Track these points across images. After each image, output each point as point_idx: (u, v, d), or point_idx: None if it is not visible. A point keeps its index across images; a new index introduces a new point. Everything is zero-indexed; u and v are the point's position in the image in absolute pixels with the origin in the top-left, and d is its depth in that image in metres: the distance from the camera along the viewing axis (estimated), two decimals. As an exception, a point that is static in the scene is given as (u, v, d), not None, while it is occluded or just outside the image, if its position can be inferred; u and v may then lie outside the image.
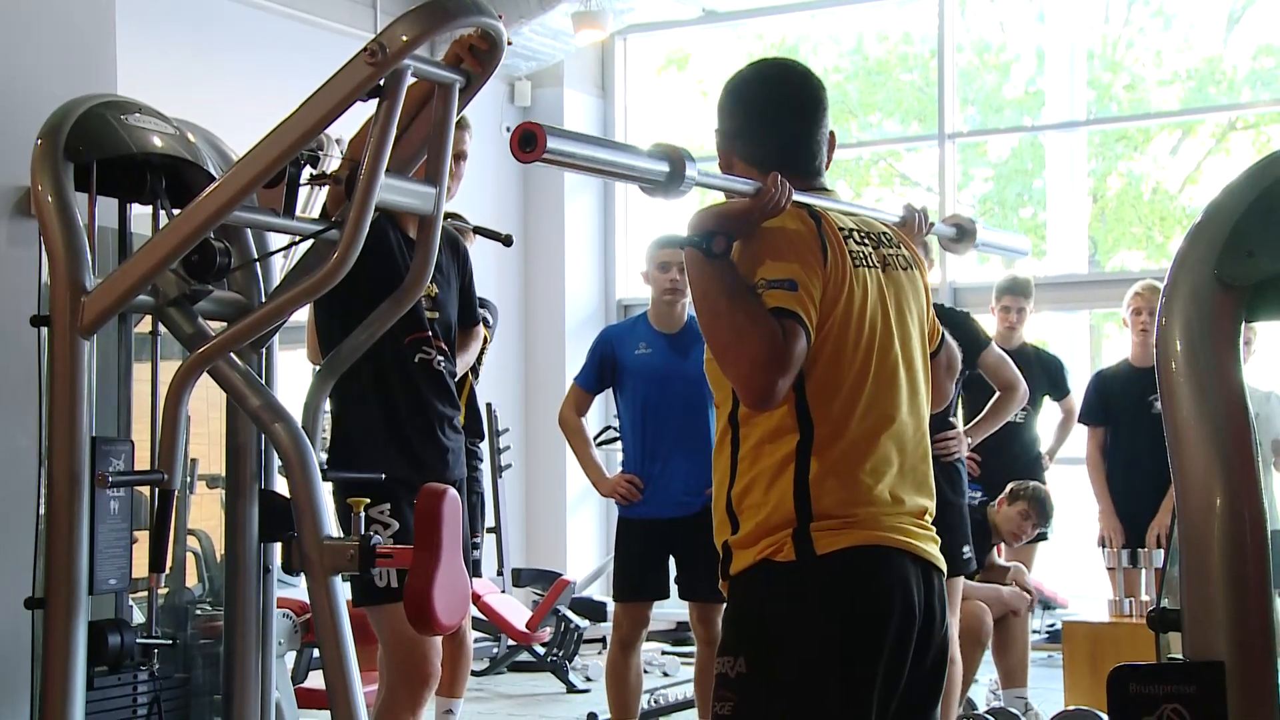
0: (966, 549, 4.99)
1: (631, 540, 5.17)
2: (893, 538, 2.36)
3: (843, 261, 2.37)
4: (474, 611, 6.57)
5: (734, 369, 2.28)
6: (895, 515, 2.37)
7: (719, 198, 2.47)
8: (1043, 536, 6.28)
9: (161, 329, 2.95)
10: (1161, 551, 5.86)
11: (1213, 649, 1.93)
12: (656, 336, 5.13)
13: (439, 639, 3.56)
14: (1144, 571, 5.94)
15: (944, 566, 2.44)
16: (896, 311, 2.46)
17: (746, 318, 2.26)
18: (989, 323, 6.74)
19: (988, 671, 6.30)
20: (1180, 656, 1.99)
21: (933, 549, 2.42)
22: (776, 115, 2.51)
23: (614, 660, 5.10)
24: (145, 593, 3.00)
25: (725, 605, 2.42)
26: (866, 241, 2.46)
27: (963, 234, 3.21)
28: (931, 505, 2.46)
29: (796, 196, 2.39)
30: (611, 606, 5.26)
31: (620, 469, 5.28)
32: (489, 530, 7.43)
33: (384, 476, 3.46)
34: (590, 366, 5.24)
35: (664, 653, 8.02)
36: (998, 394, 5.23)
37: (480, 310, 4.92)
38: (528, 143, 2.06)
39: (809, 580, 2.31)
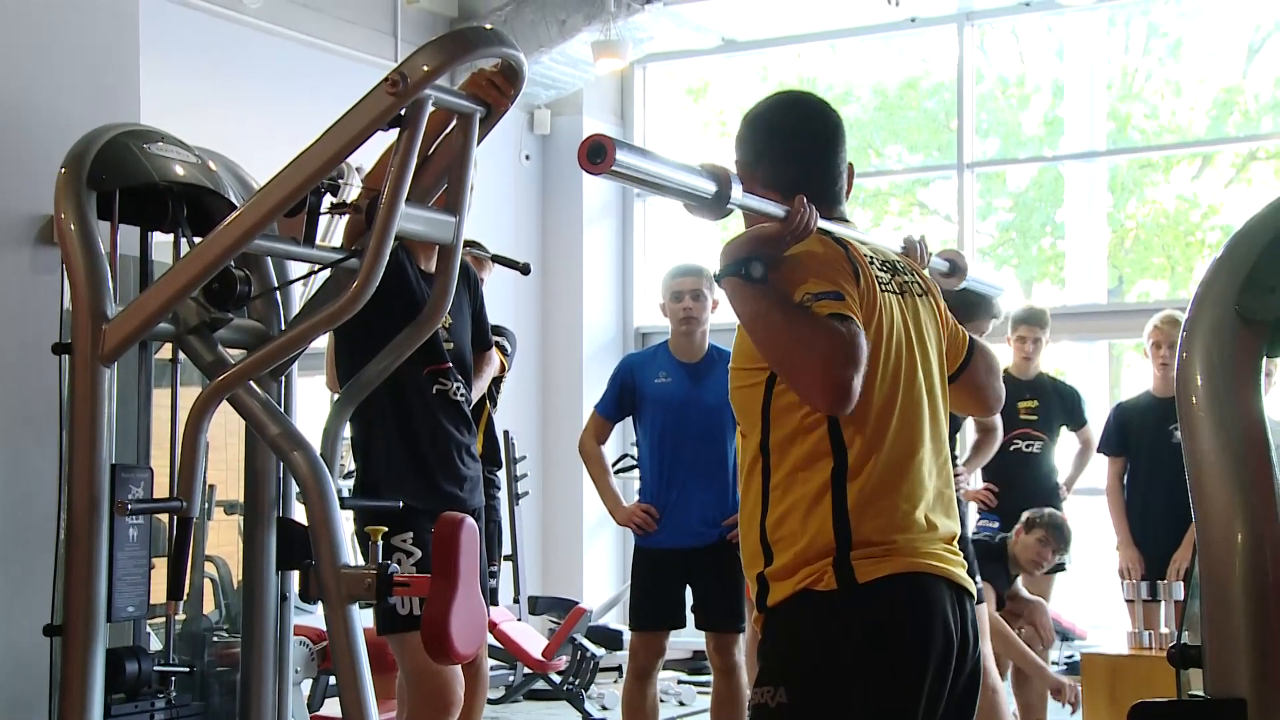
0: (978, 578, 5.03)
1: (648, 569, 5.16)
2: (930, 564, 2.36)
3: (871, 285, 2.39)
4: (490, 639, 6.56)
5: (807, 375, 2.24)
6: (930, 541, 2.37)
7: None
8: (1060, 567, 6.25)
9: (181, 356, 2.96)
10: (1181, 584, 5.83)
11: (1234, 686, 1.91)
12: (676, 365, 5.13)
13: (460, 668, 3.55)
14: (1163, 604, 5.90)
15: (974, 590, 2.44)
16: (918, 337, 2.47)
17: (807, 325, 2.25)
18: (1004, 352, 6.73)
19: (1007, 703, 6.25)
20: (1201, 693, 1.97)
21: (963, 573, 2.42)
22: (797, 140, 2.52)
23: (630, 690, 5.08)
24: (163, 620, 3.00)
25: (762, 637, 2.40)
26: (885, 269, 2.48)
27: (954, 269, 3.30)
28: (959, 530, 2.47)
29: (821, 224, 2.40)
30: (628, 635, 5.24)
31: (637, 497, 5.27)
32: (505, 558, 7.42)
33: (401, 505, 3.47)
34: (611, 394, 5.24)
35: (680, 682, 7.99)
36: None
37: (498, 338, 4.94)
38: (597, 154, 2.06)
39: (851, 609, 2.30)
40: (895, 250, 2.69)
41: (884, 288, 2.42)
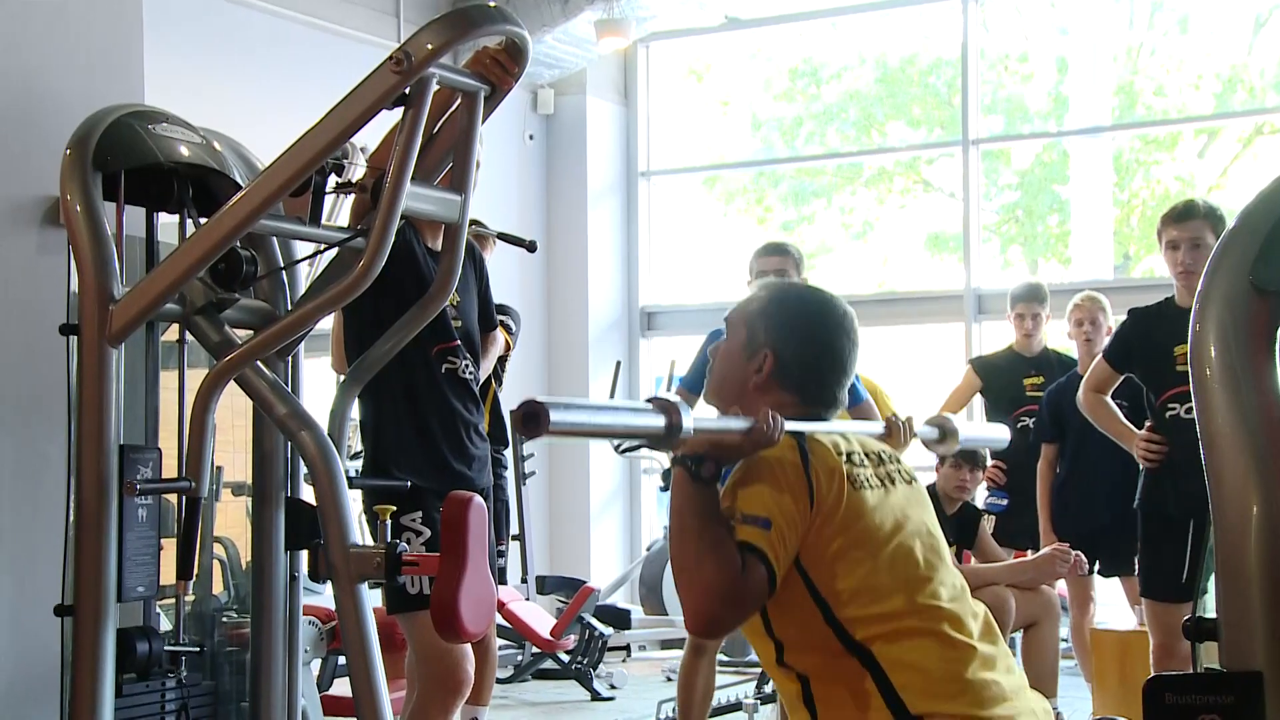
0: None
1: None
2: None
3: (840, 491, 2.34)
4: (498, 619, 6.57)
5: (686, 592, 2.27)
6: (998, 701, 2.28)
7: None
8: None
9: (189, 337, 2.96)
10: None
11: (1250, 658, 1.91)
12: None
13: (469, 647, 3.56)
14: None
15: None
16: (910, 521, 2.42)
17: (710, 544, 2.25)
18: (1007, 330, 6.68)
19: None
20: (1217, 666, 1.97)
21: None
22: (840, 365, 2.53)
23: (687, 664, 4.96)
24: (173, 600, 3.01)
25: None
26: (866, 462, 2.44)
27: (944, 435, 3.21)
28: (1023, 680, 2.40)
29: (788, 426, 2.37)
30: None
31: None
32: (513, 538, 7.42)
33: (410, 484, 3.46)
34: (698, 367, 5.12)
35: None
36: None
37: (503, 317, 4.92)
38: (530, 421, 2.03)
39: None
40: (876, 432, 2.66)
41: (861, 485, 2.38)
